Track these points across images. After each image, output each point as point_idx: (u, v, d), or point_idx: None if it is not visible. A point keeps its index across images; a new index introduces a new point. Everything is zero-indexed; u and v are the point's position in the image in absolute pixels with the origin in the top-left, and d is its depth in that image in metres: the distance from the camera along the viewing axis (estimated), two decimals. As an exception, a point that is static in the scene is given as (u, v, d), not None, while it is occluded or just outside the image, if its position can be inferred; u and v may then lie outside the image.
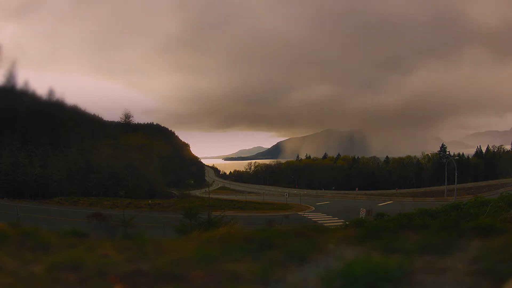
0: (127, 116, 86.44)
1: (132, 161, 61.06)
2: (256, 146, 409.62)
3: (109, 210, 32.74)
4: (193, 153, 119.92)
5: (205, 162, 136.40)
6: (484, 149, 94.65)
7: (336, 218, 28.22)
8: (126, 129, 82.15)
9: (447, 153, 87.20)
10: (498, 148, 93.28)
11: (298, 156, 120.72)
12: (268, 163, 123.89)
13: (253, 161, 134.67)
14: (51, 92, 64.89)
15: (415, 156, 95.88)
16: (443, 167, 64.17)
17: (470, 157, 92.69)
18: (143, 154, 70.48)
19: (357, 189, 73.78)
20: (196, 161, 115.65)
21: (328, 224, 20.66)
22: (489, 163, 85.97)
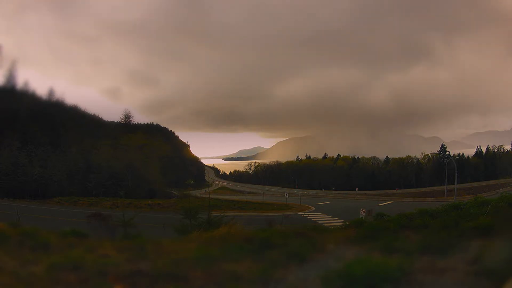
0: (127, 116, 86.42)
1: (132, 161, 61.03)
2: (256, 146, 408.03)
3: (109, 210, 32.78)
4: (193, 153, 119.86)
5: (205, 162, 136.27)
6: (484, 149, 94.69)
7: (336, 218, 28.21)
8: (126, 129, 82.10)
9: (447, 153, 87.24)
10: (498, 148, 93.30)
11: (298, 156, 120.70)
12: (268, 163, 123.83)
13: (253, 161, 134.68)
14: (51, 92, 64.97)
15: (415, 156, 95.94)
16: (443, 167, 64.17)
17: (470, 157, 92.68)
18: (143, 154, 70.44)
19: (357, 189, 73.82)
20: (196, 161, 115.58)
21: (328, 224, 20.66)
22: (489, 163, 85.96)
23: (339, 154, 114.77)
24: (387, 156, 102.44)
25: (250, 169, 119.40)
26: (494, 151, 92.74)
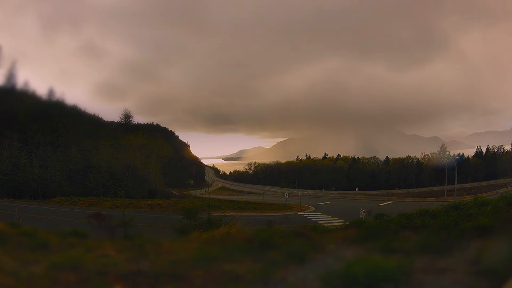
0: (127, 116, 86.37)
1: (132, 161, 61.07)
2: (256, 146, 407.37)
3: (109, 210, 32.80)
4: (193, 153, 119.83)
5: (205, 162, 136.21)
6: (484, 149, 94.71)
7: (336, 218, 28.22)
8: (126, 129, 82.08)
9: (447, 153, 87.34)
10: (498, 148, 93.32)
11: (298, 156, 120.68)
12: (268, 163, 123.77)
13: (253, 161, 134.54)
14: (51, 92, 64.98)
15: (415, 156, 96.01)
16: (443, 167, 64.21)
17: (470, 157, 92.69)
18: (143, 154, 70.45)
19: (357, 189, 73.85)
20: (196, 161, 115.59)
21: (328, 224, 20.69)
22: (489, 163, 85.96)
23: (339, 154, 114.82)
24: (387, 156, 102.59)
25: (250, 169, 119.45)
26: (494, 151, 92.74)
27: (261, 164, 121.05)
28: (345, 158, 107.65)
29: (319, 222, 26.01)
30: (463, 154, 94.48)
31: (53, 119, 58.83)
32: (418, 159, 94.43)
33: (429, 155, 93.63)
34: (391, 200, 54.70)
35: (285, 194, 55.57)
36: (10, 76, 57.46)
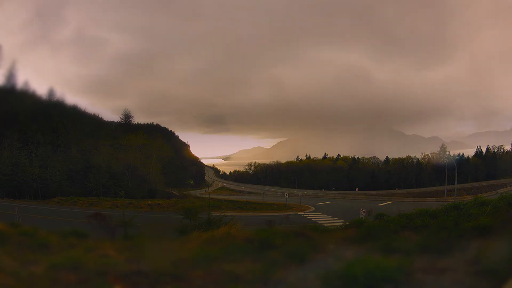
0: (127, 116, 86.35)
1: (132, 161, 61.08)
2: (256, 146, 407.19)
3: (109, 210, 32.83)
4: (193, 153, 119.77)
5: (205, 162, 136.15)
6: (484, 149, 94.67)
7: (336, 218, 28.22)
8: (126, 129, 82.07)
9: (447, 153, 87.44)
10: (498, 148, 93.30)
11: (298, 156, 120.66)
12: (268, 163, 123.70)
13: (253, 161, 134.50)
14: (51, 92, 64.98)
15: (415, 156, 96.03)
16: (443, 167, 64.24)
17: (470, 157, 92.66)
18: (143, 154, 70.46)
19: (357, 189, 73.87)
20: (196, 161, 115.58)
21: (328, 224, 20.70)
22: (489, 163, 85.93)
23: (339, 154, 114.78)
24: (387, 156, 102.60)
25: (250, 169, 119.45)
26: (494, 151, 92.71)
27: (261, 164, 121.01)
28: (345, 158, 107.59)
29: (319, 222, 26.01)
30: (463, 154, 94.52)
31: (53, 119, 58.86)
32: (418, 159, 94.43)
33: (429, 155, 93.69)
34: (391, 200, 54.71)
35: (285, 194, 55.55)
36: (10, 76, 57.46)
